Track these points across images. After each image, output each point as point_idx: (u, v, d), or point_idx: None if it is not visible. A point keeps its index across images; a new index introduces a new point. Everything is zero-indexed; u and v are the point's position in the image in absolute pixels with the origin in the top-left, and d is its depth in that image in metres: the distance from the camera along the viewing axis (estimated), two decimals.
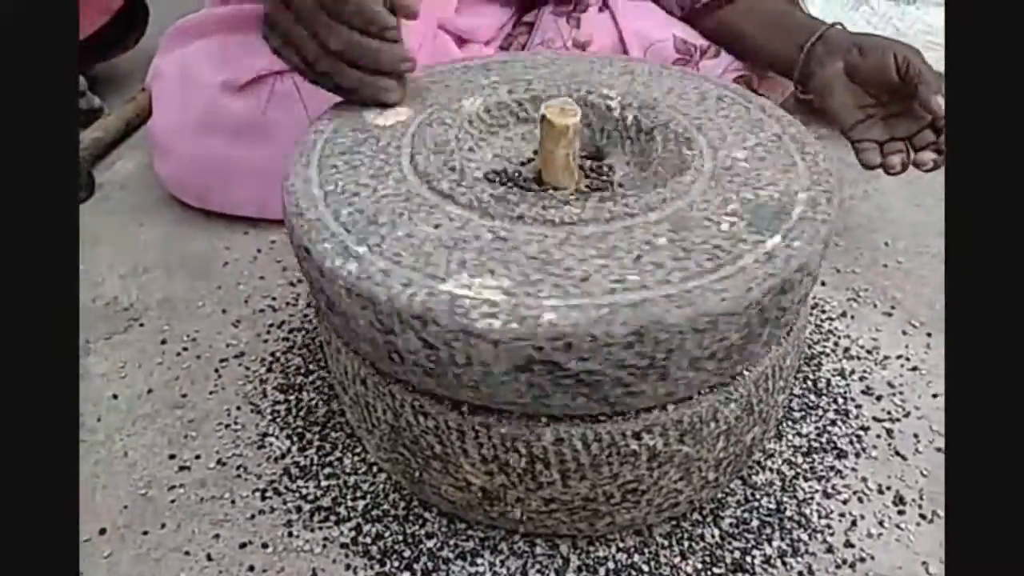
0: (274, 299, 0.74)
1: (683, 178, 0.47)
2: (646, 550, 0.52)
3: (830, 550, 0.52)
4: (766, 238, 0.43)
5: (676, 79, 0.60)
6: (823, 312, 0.72)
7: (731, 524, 0.53)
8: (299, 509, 0.55)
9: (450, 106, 0.56)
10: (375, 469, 0.57)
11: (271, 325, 0.71)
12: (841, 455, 0.58)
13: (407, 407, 0.46)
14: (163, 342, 0.70)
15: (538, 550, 0.52)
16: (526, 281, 0.41)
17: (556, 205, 0.46)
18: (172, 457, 0.59)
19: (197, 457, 0.59)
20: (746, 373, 0.46)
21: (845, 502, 0.55)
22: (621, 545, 0.52)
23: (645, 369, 0.40)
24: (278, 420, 0.62)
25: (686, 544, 0.52)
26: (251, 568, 0.51)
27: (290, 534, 0.53)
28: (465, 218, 0.46)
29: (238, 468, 0.58)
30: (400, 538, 0.53)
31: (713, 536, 0.52)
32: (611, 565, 0.51)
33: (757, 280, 0.41)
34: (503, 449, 0.45)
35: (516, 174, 0.54)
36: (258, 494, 0.56)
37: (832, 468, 0.57)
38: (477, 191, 0.47)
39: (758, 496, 0.55)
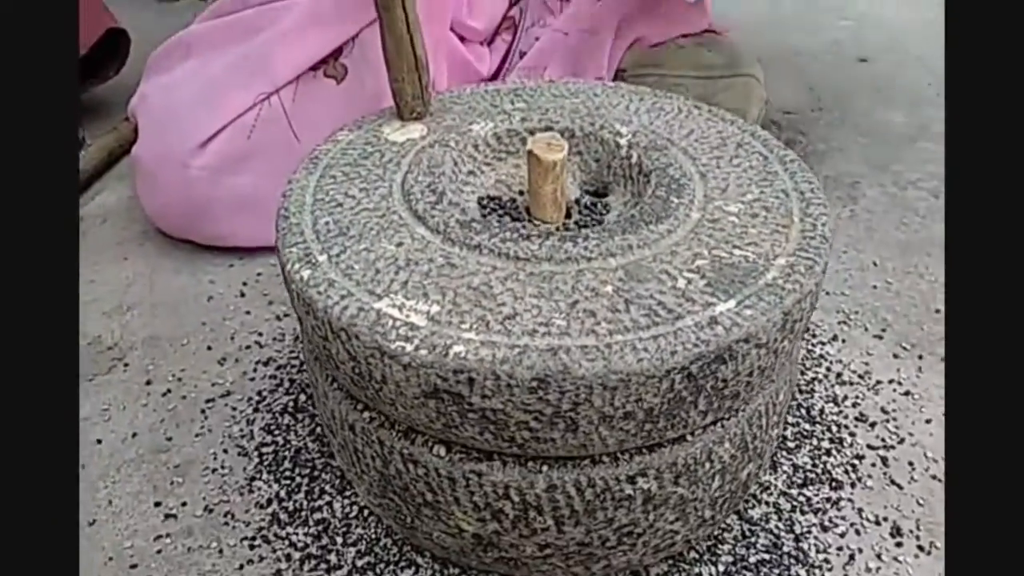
0: (260, 335, 0.73)
1: (658, 227, 0.46)
2: None
3: None
4: (719, 301, 0.42)
5: (703, 120, 0.59)
6: (814, 336, 0.72)
7: (729, 562, 0.52)
8: (288, 557, 0.53)
9: (460, 129, 0.57)
10: (366, 513, 0.56)
11: (258, 362, 0.70)
12: (837, 485, 0.58)
13: (396, 454, 0.46)
14: (148, 383, 0.68)
15: None
16: (455, 310, 0.41)
17: (516, 239, 0.46)
18: (158, 504, 0.58)
19: (183, 504, 0.58)
20: (739, 412, 0.46)
21: (842, 535, 0.54)
22: None
23: (551, 417, 0.39)
24: (266, 463, 0.60)
25: None
26: None
27: None
28: (426, 240, 0.47)
29: (225, 515, 0.57)
30: None
31: (711, 575, 0.52)
32: None
33: (686, 345, 0.39)
34: (495, 497, 0.44)
35: (510, 202, 0.54)
36: (246, 542, 0.55)
37: (828, 499, 0.57)
38: (447, 216, 0.48)
39: (755, 531, 0.54)
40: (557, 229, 0.51)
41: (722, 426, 0.45)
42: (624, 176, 0.55)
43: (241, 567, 0.53)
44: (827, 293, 0.77)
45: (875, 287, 0.78)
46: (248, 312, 0.76)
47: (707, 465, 0.45)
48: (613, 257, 0.45)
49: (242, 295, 0.78)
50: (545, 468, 0.43)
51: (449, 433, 0.42)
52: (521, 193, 0.55)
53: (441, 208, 0.48)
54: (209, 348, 0.72)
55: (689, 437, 0.44)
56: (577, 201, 0.54)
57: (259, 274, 0.81)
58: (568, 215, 0.53)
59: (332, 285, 0.43)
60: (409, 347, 0.39)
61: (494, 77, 0.87)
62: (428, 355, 0.39)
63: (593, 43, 0.80)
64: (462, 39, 0.85)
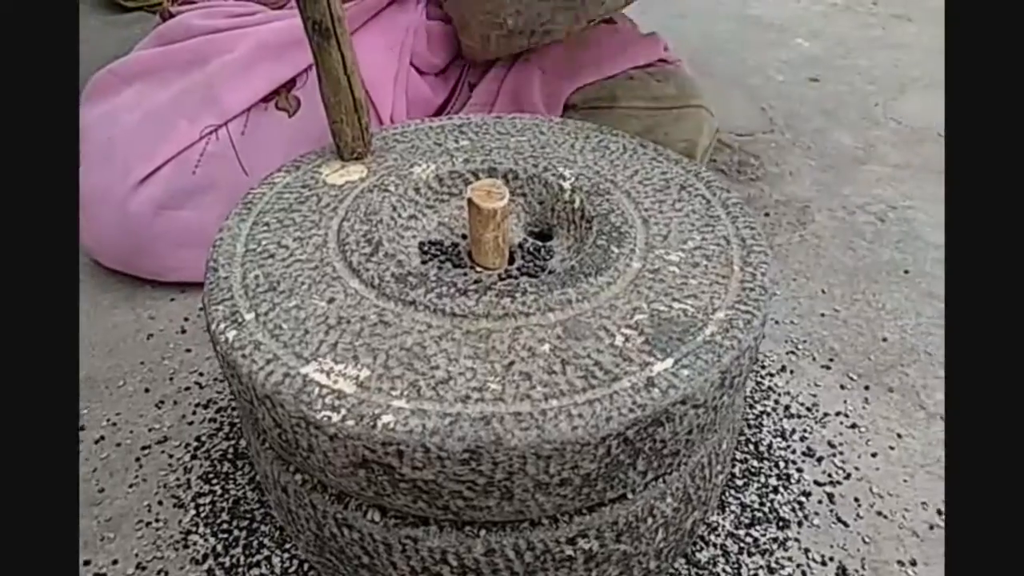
0: (201, 375, 0.71)
1: (598, 279, 0.46)
2: None
3: None
4: (656, 360, 0.41)
5: (647, 160, 0.58)
6: (763, 368, 0.72)
7: None
8: None
9: (401, 171, 0.55)
10: (305, 567, 0.54)
11: (197, 405, 0.68)
12: (784, 524, 0.58)
13: (330, 518, 0.44)
14: (81, 428, 0.66)
15: None
16: (385, 374, 0.40)
17: (452, 295, 0.44)
18: (87, 563, 0.55)
19: (114, 562, 0.55)
20: (681, 466, 0.45)
21: None
22: None
23: (485, 487, 0.38)
24: (203, 515, 0.58)
25: None
26: None
27: None
28: (360, 296, 0.45)
29: (159, 573, 0.54)
30: None
31: None
32: None
33: (622, 410, 0.38)
34: (432, 561, 0.43)
35: (452, 247, 0.52)
36: None
37: (775, 540, 0.57)
38: (382, 269, 0.46)
39: None
40: (500, 276, 0.50)
41: (663, 481, 0.45)
42: (567, 220, 0.54)
43: None
44: (776, 322, 0.77)
45: (823, 315, 0.79)
46: (188, 350, 0.74)
47: (649, 520, 0.45)
48: (552, 312, 0.44)
49: (183, 331, 0.76)
50: (483, 532, 0.42)
51: (382, 500, 0.41)
52: (464, 237, 0.54)
53: (377, 260, 0.47)
54: (147, 390, 0.69)
55: (630, 495, 0.43)
56: (520, 246, 0.53)
57: (201, 308, 0.79)
58: (511, 260, 0.52)
59: (258, 348, 0.42)
60: (336, 417, 0.38)
61: (445, 103, 0.86)
62: (355, 426, 0.38)
63: (535, 77, 0.79)
64: (420, 72, 0.84)
